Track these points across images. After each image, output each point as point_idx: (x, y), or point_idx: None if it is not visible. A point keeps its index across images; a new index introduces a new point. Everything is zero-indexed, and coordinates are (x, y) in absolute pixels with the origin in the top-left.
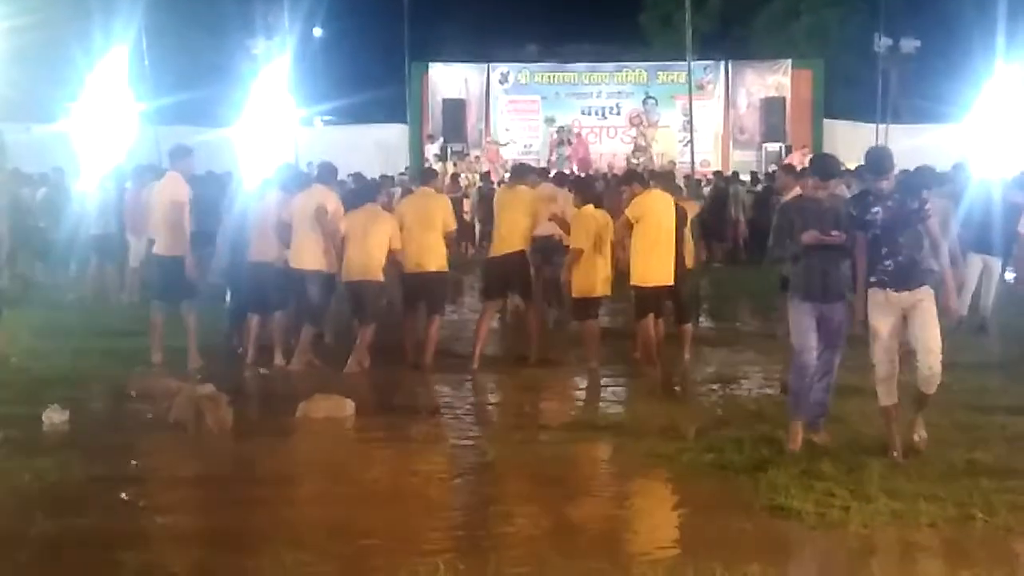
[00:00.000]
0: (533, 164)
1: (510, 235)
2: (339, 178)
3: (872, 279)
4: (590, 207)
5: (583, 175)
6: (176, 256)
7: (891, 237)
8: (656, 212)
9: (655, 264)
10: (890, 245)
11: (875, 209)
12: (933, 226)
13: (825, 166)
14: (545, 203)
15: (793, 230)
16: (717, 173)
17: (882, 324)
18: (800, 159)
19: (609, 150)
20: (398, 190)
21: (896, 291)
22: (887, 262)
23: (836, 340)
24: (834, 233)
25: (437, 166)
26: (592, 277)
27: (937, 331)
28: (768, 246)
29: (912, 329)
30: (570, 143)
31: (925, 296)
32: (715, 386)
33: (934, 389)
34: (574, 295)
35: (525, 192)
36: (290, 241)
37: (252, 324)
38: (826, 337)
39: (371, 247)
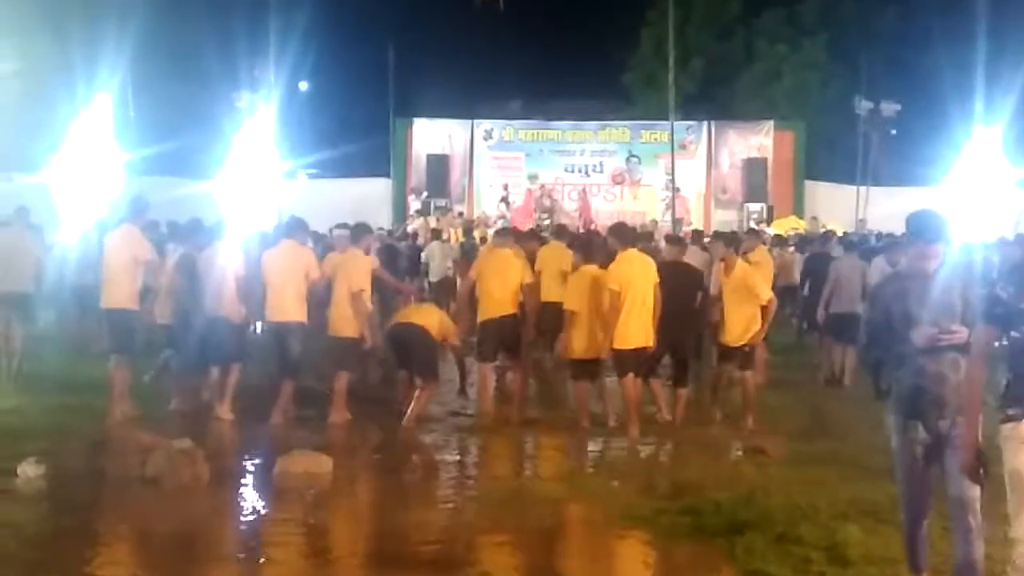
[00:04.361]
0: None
1: (503, 298)
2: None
3: (1014, 409)
4: (592, 267)
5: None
6: (130, 309)
7: None
8: (630, 274)
9: (634, 326)
10: None
11: None
12: None
13: (929, 225)
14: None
15: (892, 322)
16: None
17: None
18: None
19: (592, 208)
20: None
21: None
22: None
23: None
24: (955, 328)
25: (418, 221)
26: (589, 338)
27: None
28: (861, 343)
29: None
30: (507, 202)
31: None
32: (695, 447)
33: None
34: (571, 357)
35: (511, 255)
36: (251, 297)
37: (215, 377)
38: (946, 465)
39: (340, 300)
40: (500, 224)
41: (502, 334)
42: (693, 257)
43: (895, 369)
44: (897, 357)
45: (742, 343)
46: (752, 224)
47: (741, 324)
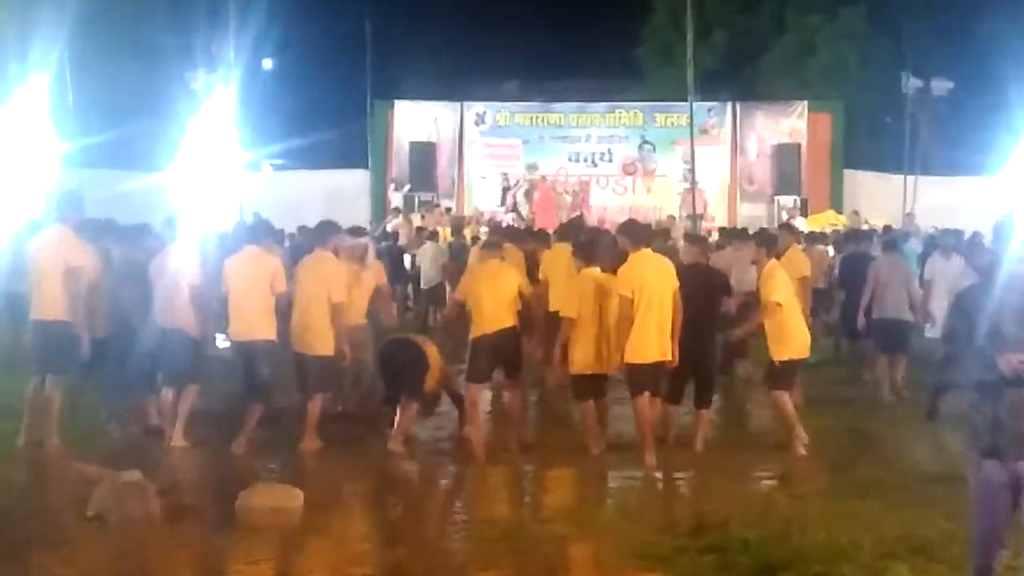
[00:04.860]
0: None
1: (498, 311)
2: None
3: None
4: (594, 270)
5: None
6: (64, 321)
7: None
8: (644, 277)
9: (650, 336)
10: None
11: None
12: None
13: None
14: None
15: (978, 340)
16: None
17: None
18: None
19: (600, 202)
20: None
21: None
22: None
23: None
24: None
25: (399, 218)
26: (594, 350)
27: None
28: (940, 360)
29: None
30: (510, 191)
31: None
32: (721, 477)
33: None
34: (572, 371)
35: (502, 263)
36: (207, 308)
37: (169, 399)
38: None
39: (313, 313)
40: (510, 219)
41: (498, 351)
42: (730, 258)
43: (976, 396)
44: (979, 382)
45: (782, 358)
46: (785, 216)
47: (783, 335)
